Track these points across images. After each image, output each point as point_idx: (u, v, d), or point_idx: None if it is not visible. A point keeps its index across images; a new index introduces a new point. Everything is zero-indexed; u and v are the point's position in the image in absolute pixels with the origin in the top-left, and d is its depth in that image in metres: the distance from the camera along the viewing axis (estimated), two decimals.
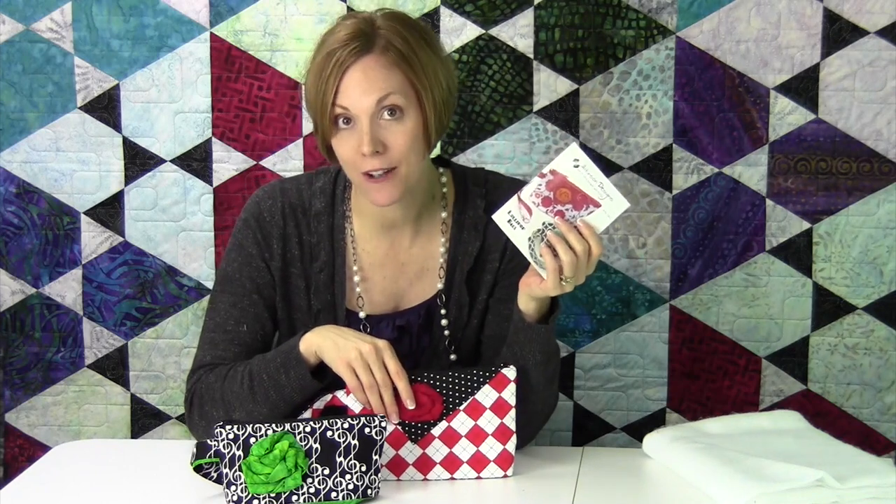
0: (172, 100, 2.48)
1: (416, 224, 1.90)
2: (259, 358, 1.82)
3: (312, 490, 1.64)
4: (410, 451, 1.74)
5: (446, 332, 1.90)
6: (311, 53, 1.83)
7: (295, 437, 1.64)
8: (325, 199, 1.91)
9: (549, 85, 2.42)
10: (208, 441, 1.65)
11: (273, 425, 1.64)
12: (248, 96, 2.46)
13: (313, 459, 1.64)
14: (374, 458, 1.65)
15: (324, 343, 1.75)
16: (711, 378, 2.47)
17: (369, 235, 1.91)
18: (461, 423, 1.74)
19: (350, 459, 1.64)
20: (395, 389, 1.73)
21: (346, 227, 1.91)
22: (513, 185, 1.91)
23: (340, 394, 1.76)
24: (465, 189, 1.93)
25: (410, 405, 1.72)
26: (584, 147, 2.42)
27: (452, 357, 1.90)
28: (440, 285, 1.90)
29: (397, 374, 1.72)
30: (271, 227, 1.89)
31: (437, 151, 2.43)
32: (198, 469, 1.66)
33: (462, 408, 1.75)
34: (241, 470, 1.63)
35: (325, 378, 1.76)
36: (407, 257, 1.91)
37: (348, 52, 1.75)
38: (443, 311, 1.90)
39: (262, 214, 1.90)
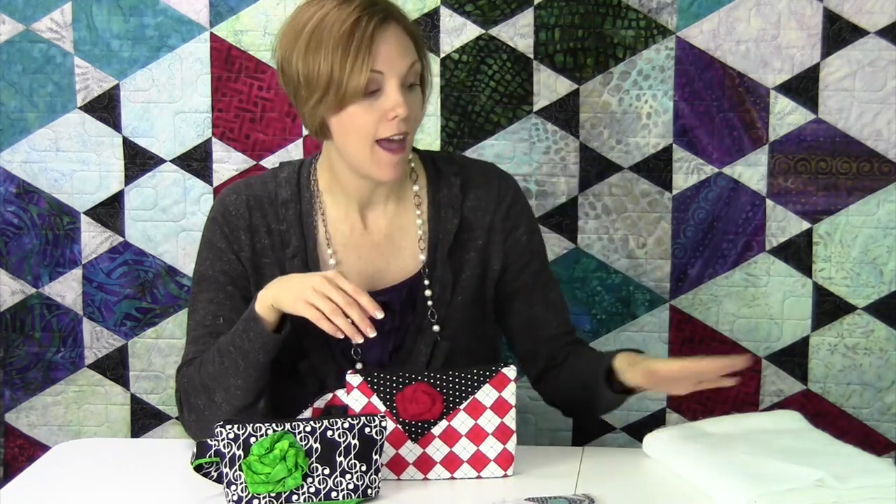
0: (172, 100, 2.47)
1: (388, 200, 1.93)
2: (225, 334, 1.84)
3: (313, 490, 1.64)
4: (410, 451, 1.74)
5: (429, 303, 1.91)
6: (295, 32, 1.81)
7: (295, 436, 1.63)
8: (290, 187, 1.93)
9: (549, 85, 2.42)
10: (208, 440, 1.65)
11: (273, 425, 1.64)
12: (248, 96, 2.46)
13: (313, 459, 1.64)
14: (375, 457, 1.65)
15: (277, 293, 1.76)
16: None
17: (343, 215, 1.93)
18: (461, 422, 1.74)
19: (350, 459, 1.64)
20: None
21: (317, 211, 1.92)
22: (481, 166, 1.99)
23: (341, 393, 1.76)
24: (437, 169, 1.96)
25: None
26: (583, 148, 2.42)
27: (435, 328, 1.91)
28: (423, 257, 1.92)
29: (356, 292, 1.72)
30: (237, 220, 1.91)
31: (435, 150, 2.44)
32: (198, 468, 1.66)
33: (462, 407, 1.75)
34: (241, 469, 1.63)
35: (284, 327, 1.79)
36: (381, 236, 1.92)
37: (376, 20, 1.78)
38: (426, 283, 1.91)
39: (227, 209, 1.92)
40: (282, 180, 1.94)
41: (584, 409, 1.95)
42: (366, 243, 1.93)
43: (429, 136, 2.44)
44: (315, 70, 1.80)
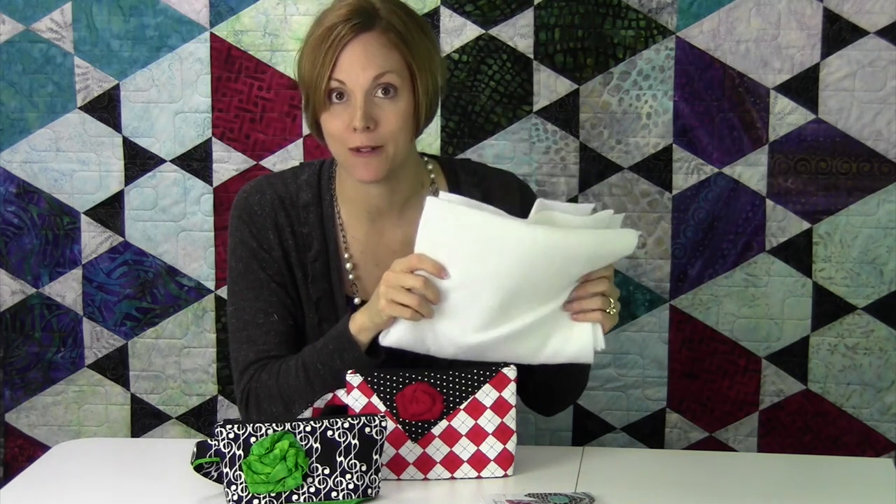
0: (172, 100, 2.48)
1: (403, 211, 1.91)
2: (309, 349, 1.83)
3: (313, 489, 1.64)
4: (411, 451, 1.74)
5: None
6: (308, 29, 1.85)
7: (295, 436, 1.64)
8: (311, 190, 1.92)
9: (549, 85, 2.42)
10: (209, 440, 1.65)
11: (273, 425, 1.64)
12: (248, 96, 2.46)
13: (314, 459, 1.64)
14: (375, 457, 1.65)
15: (366, 310, 1.77)
16: (711, 378, 2.47)
17: (357, 223, 1.92)
18: (461, 422, 1.74)
19: (350, 459, 1.64)
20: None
21: (335, 216, 1.92)
22: (501, 176, 1.97)
23: (341, 392, 1.76)
24: (457, 179, 1.94)
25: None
26: (583, 148, 2.42)
27: None
28: None
29: (420, 261, 1.70)
30: (264, 219, 1.90)
31: (436, 151, 2.44)
32: (198, 468, 1.66)
33: (462, 407, 1.75)
34: (241, 469, 1.63)
35: (379, 356, 1.78)
36: (398, 244, 1.91)
37: (349, 27, 1.78)
38: None
39: (252, 208, 1.91)
40: (302, 183, 1.92)
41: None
42: (382, 251, 1.91)
43: (429, 137, 2.44)
44: (301, 73, 1.84)
